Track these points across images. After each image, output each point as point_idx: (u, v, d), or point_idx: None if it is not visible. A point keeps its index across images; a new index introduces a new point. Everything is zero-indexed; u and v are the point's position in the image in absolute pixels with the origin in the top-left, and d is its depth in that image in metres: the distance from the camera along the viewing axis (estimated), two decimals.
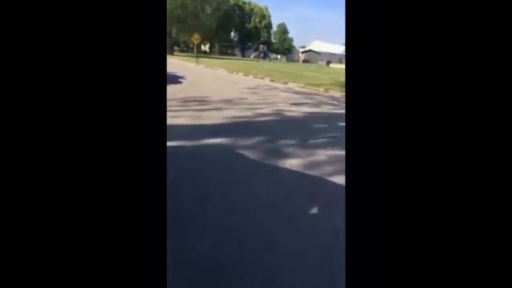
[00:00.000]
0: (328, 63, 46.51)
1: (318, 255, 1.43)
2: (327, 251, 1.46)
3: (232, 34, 51.51)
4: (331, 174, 2.46)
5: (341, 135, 3.71)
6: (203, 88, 7.69)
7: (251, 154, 2.83)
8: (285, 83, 10.44)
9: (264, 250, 1.45)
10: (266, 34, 54.38)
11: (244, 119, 4.39)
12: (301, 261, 1.38)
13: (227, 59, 31.40)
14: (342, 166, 2.63)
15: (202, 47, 44.41)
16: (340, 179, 2.33)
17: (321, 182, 2.34)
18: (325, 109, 5.90)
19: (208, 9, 36.79)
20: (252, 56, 47.63)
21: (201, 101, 5.66)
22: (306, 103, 6.36)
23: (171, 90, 6.38)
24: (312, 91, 8.86)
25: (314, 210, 1.88)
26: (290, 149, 3.07)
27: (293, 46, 59.40)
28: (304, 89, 9.14)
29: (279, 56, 54.03)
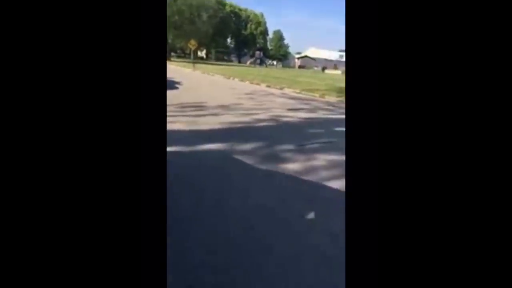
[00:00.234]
0: (323, 69, 46.91)
1: (314, 256, 1.43)
2: (323, 253, 1.46)
3: (229, 40, 51.89)
4: (329, 179, 2.47)
5: (337, 140, 3.73)
6: (200, 93, 7.70)
7: (248, 160, 2.84)
8: (281, 88, 10.49)
9: (261, 252, 1.45)
10: (262, 41, 54.85)
11: (240, 125, 4.40)
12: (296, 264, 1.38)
13: (224, 65, 31.53)
14: (339, 171, 2.65)
15: (199, 53, 44.60)
16: (336, 184, 2.34)
17: (317, 187, 2.34)
18: (321, 114, 5.93)
19: (205, 16, 37.06)
20: (248, 62, 47.92)
21: (198, 106, 5.66)
22: (302, 109, 6.39)
23: (168, 96, 6.32)
24: (308, 96, 8.91)
25: (311, 215, 1.89)
26: (287, 154, 3.08)
27: (289, 52, 59.90)
28: (300, 95, 9.19)
29: (275, 62, 54.40)
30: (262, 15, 54.39)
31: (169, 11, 31.96)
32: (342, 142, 3.57)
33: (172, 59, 33.51)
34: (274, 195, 2.13)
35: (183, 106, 5.52)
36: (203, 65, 24.32)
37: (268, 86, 11.04)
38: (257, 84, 11.75)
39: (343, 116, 5.84)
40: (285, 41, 59.10)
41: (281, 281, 1.28)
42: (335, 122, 5.09)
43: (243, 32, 51.63)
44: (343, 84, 12.14)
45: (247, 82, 12.50)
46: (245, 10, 52.95)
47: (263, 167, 2.67)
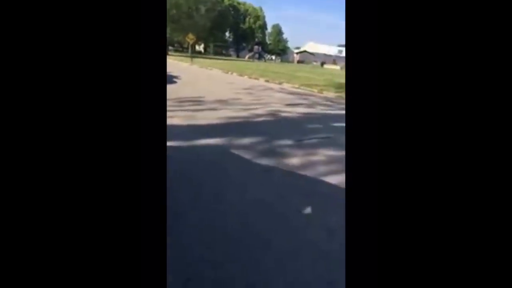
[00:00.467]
0: (322, 64, 46.74)
1: (312, 251, 1.44)
2: (321, 248, 1.47)
3: (227, 34, 51.41)
4: (326, 174, 2.48)
5: (335, 135, 3.74)
6: (198, 88, 7.66)
7: (246, 154, 2.84)
8: (280, 83, 10.46)
9: (259, 248, 1.46)
10: (261, 35, 54.45)
11: (239, 120, 4.39)
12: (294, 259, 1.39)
13: (222, 59, 31.31)
14: (336, 166, 2.66)
15: (197, 47, 44.24)
16: (334, 179, 2.36)
17: (315, 182, 2.35)
18: (319, 109, 5.93)
19: (202, 9, 36.72)
20: (246, 56, 47.60)
21: (196, 101, 5.64)
22: (301, 104, 6.38)
23: None
24: (306, 91, 8.90)
25: (308, 210, 1.90)
26: (286, 149, 3.09)
27: (288, 47, 59.57)
28: (298, 90, 9.18)
29: (273, 57, 54.14)
30: (261, 9, 53.98)
31: (167, 5, 31.58)
32: (340, 138, 3.59)
33: (169, 53, 33.22)
34: (272, 190, 2.13)
35: (181, 101, 5.49)
36: (201, 59, 24.15)
37: (267, 81, 11.00)
38: (256, 78, 11.71)
39: (342, 112, 5.80)
40: (284, 36, 58.76)
41: (278, 276, 1.29)
42: (333, 117, 5.10)
43: (241, 26, 51.21)
44: (342, 80, 12.12)
45: (246, 76, 12.45)
46: (244, 3, 52.45)
47: (261, 162, 2.68)
